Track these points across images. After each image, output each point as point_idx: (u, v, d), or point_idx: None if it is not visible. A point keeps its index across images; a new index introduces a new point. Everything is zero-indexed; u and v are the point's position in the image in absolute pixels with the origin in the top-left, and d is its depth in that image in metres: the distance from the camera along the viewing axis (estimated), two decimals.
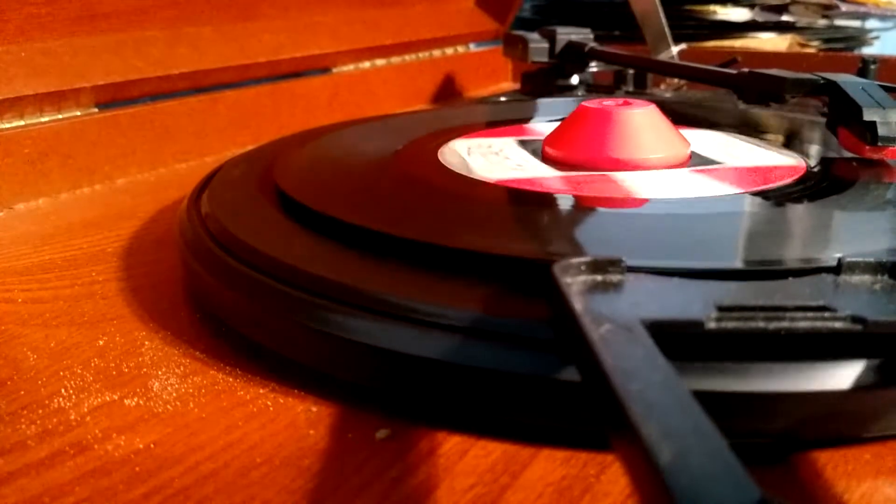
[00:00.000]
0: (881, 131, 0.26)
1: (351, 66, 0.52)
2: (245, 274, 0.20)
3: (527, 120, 0.37)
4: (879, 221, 0.22)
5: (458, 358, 0.16)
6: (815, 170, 0.27)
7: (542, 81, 0.47)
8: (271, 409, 0.18)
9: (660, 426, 0.10)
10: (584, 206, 0.24)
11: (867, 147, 0.26)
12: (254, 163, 0.30)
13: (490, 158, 0.29)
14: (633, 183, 0.25)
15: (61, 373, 0.20)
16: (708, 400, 0.11)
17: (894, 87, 0.29)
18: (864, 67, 0.43)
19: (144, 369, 0.20)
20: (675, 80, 0.48)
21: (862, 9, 0.70)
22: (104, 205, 0.34)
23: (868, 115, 0.26)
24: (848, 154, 0.28)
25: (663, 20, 0.50)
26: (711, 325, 0.14)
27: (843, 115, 0.28)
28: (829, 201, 0.23)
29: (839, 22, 0.68)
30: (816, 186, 0.25)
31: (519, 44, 0.47)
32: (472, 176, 0.26)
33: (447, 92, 0.60)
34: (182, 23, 0.42)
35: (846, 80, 0.28)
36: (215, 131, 0.42)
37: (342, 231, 0.21)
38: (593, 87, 0.47)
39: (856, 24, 0.71)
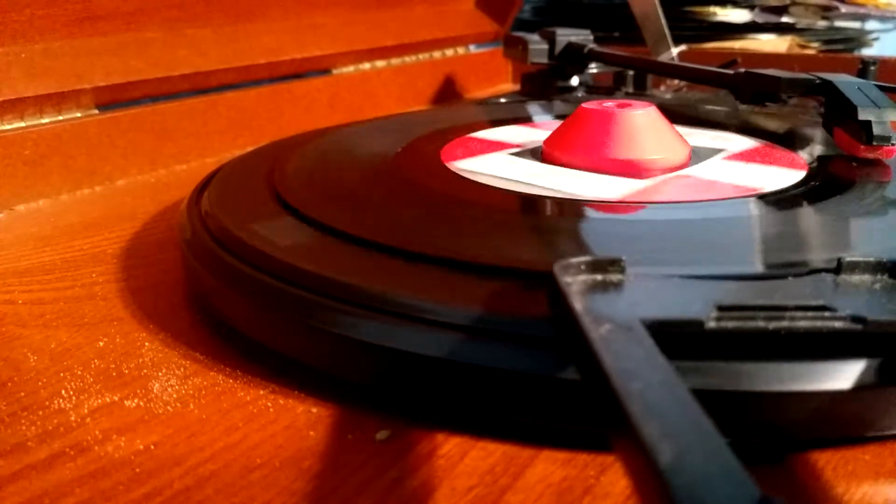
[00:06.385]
0: (876, 130, 0.26)
1: (351, 68, 0.52)
2: (246, 274, 0.20)
3: (526, 121, 0.37)
4: (878, 221, 0.22)
5: (458, 356, 0.16)
6: (813, 170, 0.27)
7: (541, 83, 0.47)
8: (271, 410, 0.18)
9: (660, 426, 0.10)
10: (587, 209, 0.24)
11: (862, 146, 0.26)
12: (254, 163, 0.30)
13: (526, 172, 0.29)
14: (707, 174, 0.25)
15: (61, 374, 0.20)
16: (708, 399, 0.11)
17: (890, 86, 0.29)
18: (863, 69, 0.43)
19: (145, 370, 0.20)
20: (675, 82, 0.48)
21: (862, 10, 0.70)
22: (104, 206, 0.34)
23: (863, 115, 0.26)
24: (845, 154, 0.28)
25: (663, 21, 0.50)
26: (711, 324, 0.14)
27: (838, 114, 0.28)
28: (827, 201, 0.23)
29: (839, 23, 0.68)
30: (814, 187, 0.25)
31: (519, 45, 0.47)
32: (545, 193, 0.25)
33: (447, 93, 0.60)
34: (182, 24, 0.42)
35: (842, 79, 0.28)
36: (215, 132, 0.42)
37: (342, 231, 0.21)
38: (593, 89, 0.47)
39: (856, 25, 0.71)
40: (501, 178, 0.26)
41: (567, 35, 0.46)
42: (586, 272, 0.16)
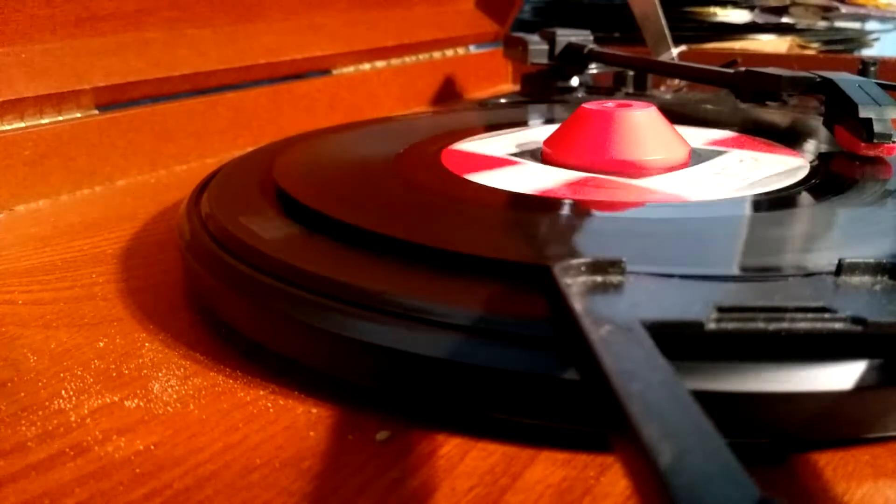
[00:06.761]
0: (877, 128, 0.26)
1: (351, 68, 0.52)
2: (245, 274, 0.20)
3: (526, 123, 0.37)
4: (879, 221, 0.22)
5: (458, 356, 0.16)
6: (814, 168, 0.27)
7: (541, 83, 0.47)
8: (271, 410, 0.18)
9: (660, 427, 0.10)
10: (586, 210, 0.24)
11: (863, 144, 0.26)
12: (254, 164, 0.30)
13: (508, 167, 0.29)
14: (658, 185, 0.25)
15: (61, 374, 0.20)
16: (708, 400, 0.11)
17: (891, 84, 0.29)
18: (863, 69, 0.43)
19: (145, 371, 0.20)
20: (675, 82, 0.48)
21: (862, 10, 0.70)
22: (104, 206, 0.34)
23: (864, 112, 0.26)
24: (846, 151, 0.28)
25: (663, 22, 0.50)
26: (711, 325, 0.14)
27: (839, 112, 0.28)
28: (828, 199, 0.23)
29: (839, 24, 0.68)
30: (815, 185, 0.25)
31: (519, 45, 0.47)
32: (509, 189, 0.25)
33: (447, 94, 0.60)
34: (182, 24, 0.42)
35: (842, 77, 0.29)
36: (215, 133, 0.42)
37: (343, 231, 0.21)
38: (593, 89, 0.47)
39: (856, 25, 0.71)
40: (501, 178, 0.26)
41: (567, 35, 0.46)
42: (586, 273, 0.16)
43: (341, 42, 0.51)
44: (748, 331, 0.14)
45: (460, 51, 0.62)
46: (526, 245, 0.21)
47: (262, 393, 0.19)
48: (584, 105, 0.29)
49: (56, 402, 0.18)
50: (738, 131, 0.33)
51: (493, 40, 0.64)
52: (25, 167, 0.34)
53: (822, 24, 0.67)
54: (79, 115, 0.37)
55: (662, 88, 0.48)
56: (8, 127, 0.34)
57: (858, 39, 0.70)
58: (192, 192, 0.28)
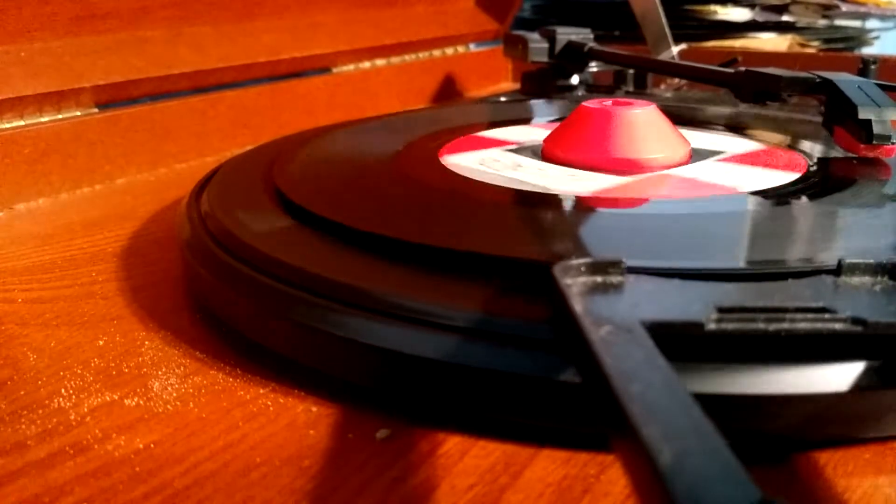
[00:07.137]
0: (876, 129, 0.26)
1: (351, 66, 0.52)
2: (245, 274, 0.20)
3: (527, 120, 0.37)
4: (878, 219, 0.22)
5: (458, 358, 0.16)
6: (813, 169, 0.27)
7: (542, 81, 0.47)
8: (271, 409, 0.18)
9: (660, 427, 0.10)
10: (586, 207, 0.24)
11: (862, 145, 0.26)
12: (254, 162, 0.30)
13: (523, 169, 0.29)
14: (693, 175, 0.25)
15: (61, 373, 0.20)
16: (708, 401, 0.11)
17: (890, 84, 0.29)
18: (864, 67, 0.43)
19: (144, 369, 0.20)
20: (676, 80, 0.48)
21: (862, 9, 0.70)
22: (104, 205, 0.34)
23: (863, 114, 0.26)
24: (846, 153, 0.28)
25: (663, 20, 0.50)
26: (711, 326, 0.14)
27: (839, 113, 0.28)
28: (827, 200, 0.23)
29: (839, 22, 0.68)
30: (814, 185, 0.25)
31: (519, 44, 0.47)
32: (535, 189, 0.25)
33: (447, 92, 0.60)
34: (182, 23, 0.42)
35: (842, 78, 0.28)
36: (215, 131, 0.42)
37: (342, 231, 0.21)
38: (593, 87, 0.47)
39: (856, 24, 0.71)
40: (501, 177, 0.26)
41: (567, 34, 0.46)
42: (586, 274, 0.16)
43: (341, 40, 0.51)
44: (748, 331, 0.14)
45: (460, 49, 0.62)
46: (525, 245, 0.21)
47: (261, 391, 0.19)
48: (584, 103, 0.29)
49: (56, 400, 0.18)
50: (737, 131, 0.33)
51: (494, 38, 0.64)
52: (25, 165, 0.34)
53: (822, 22, 0.67)
54: (78, 113, 0.37)
55: (662, 87, 0.48)
56: (7, 125, 0.34)
57: (858, 38, 0.70)
58: (191, 191, 0.28)
